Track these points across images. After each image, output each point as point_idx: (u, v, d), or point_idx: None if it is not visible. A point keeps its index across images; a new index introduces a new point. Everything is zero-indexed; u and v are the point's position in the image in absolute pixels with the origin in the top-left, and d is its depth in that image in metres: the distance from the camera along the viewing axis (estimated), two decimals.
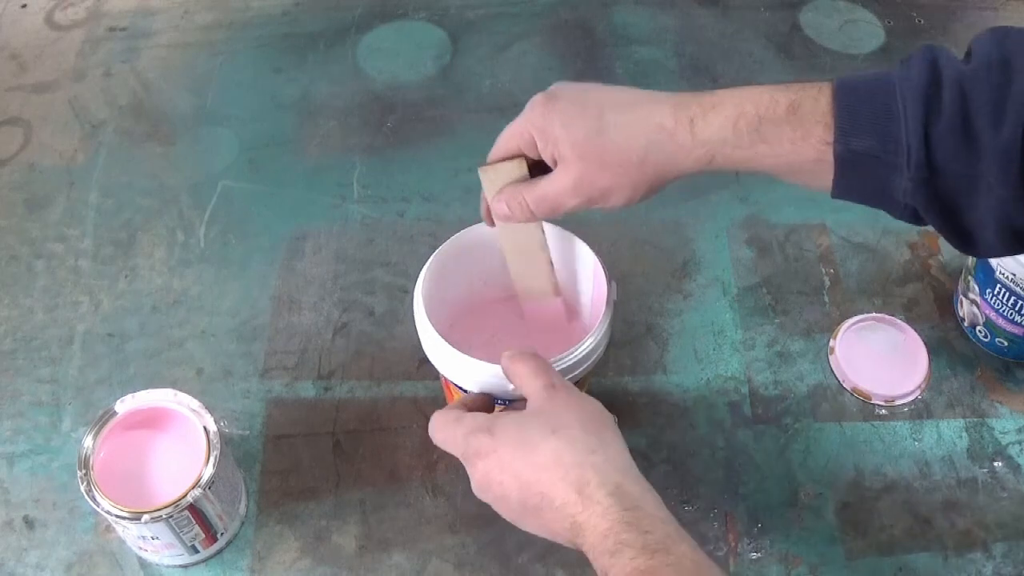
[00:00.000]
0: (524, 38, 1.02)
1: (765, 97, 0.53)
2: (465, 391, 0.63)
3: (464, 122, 0.94)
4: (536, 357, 0.58)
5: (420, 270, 0.82)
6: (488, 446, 0.54)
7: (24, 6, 1.05)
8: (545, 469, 0.52)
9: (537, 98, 0.59)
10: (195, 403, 0.65)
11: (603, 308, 0.64)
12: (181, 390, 0.66)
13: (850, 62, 1.01)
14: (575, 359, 0.62)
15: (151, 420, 0.65)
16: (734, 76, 0.99)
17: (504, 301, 0.72)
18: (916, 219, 0.53)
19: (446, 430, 0.58)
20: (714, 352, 0.79)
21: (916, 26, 1.05)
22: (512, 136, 0.60)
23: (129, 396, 0.65)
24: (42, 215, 0.86)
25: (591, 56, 1.01)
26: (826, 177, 0.53)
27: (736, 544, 0.69)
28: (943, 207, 0.51)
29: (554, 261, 0.67)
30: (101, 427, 0.64)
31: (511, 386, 0.59)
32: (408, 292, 0.81)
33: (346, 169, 0.90)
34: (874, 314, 0.80)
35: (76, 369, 0.77)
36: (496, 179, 0.62)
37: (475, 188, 0.91)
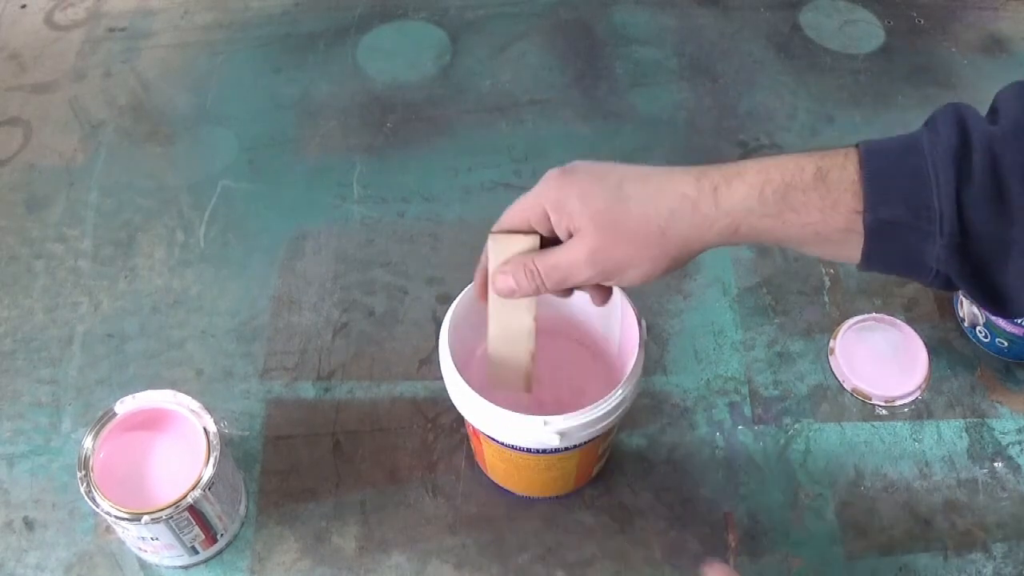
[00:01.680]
0: (524, 38, 1.02)
1: (790, 164, 0.52)
2: (499, 443, 0.62)
3: (464, 122, 0.94)
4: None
5: (420, 270, 0.83)
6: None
7: (24, 6, 1.05)
8: None
9: (551, 172, 0.56)
10: (195, 404, 0.65)
11: (634, 352, 0.63)
12: (181, 391, 0.66)
13: (850, 62, 1.01)
14: (610, 406, 0.61)
15: (151, 421, 0.65)
16: (734, 76, 0.99)
17: None
18: (947, 285, 0.52)
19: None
20: (714, 352, 0.79)
21: (916, 26, 1.05)
22: (523, 209, 0.56)
23: (129, 397, 0.65)
24: (42, 215, 0.86)
25: (591, 56, 1.01)
26: (855, 247, 0.52)
27: (736, 544, 0.69)
28: (976, 271, 0.50)
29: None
30: (101, 428, 0.64)
31: (550, 442, 0.58)
32: (408, 292, 0.82)
33: (346, 169, 0.90)
34: (874, 314, 0.80)
35: (76, 370, 0.77)
36: (505, 249, 0.56)
37: (474, 188, 0.92)
